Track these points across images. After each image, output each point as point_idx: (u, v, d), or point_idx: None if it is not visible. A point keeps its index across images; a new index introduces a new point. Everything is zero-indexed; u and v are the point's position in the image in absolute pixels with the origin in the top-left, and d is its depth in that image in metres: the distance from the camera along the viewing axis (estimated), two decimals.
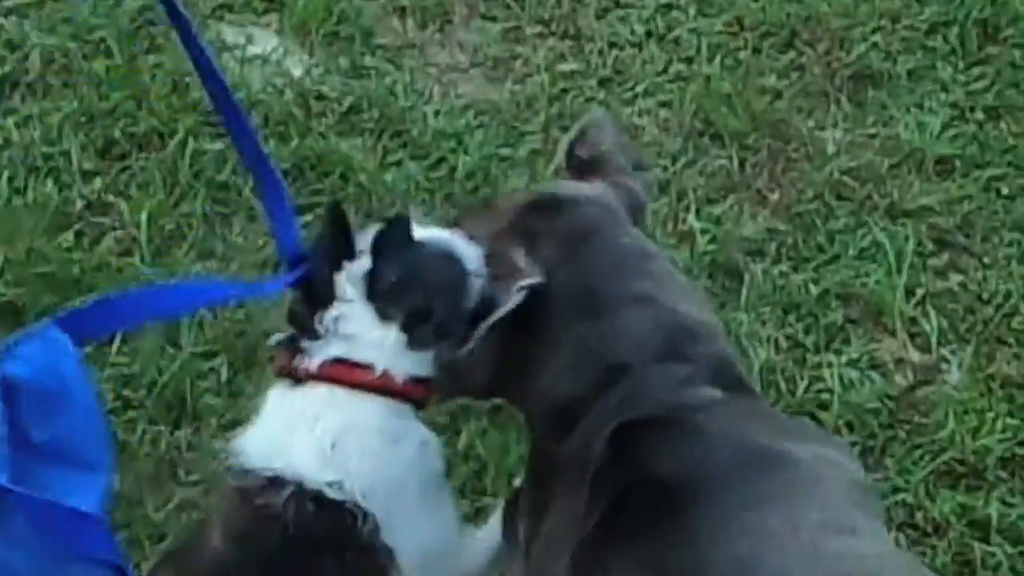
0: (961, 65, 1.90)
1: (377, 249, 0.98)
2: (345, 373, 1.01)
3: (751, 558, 0.91)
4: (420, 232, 1.03)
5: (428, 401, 1.07)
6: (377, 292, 0.99)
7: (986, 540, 1.37)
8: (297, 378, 1.01)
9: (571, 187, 1.15)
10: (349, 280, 1.00)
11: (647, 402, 1.01)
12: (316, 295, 1.00)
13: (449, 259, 1.03)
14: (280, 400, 1.04)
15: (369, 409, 1.01)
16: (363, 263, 1.00)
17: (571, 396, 1.04)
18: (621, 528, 0.99)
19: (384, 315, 1.00)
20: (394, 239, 0.99)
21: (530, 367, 1.08)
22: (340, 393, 1.01)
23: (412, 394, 1.03)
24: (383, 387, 1.01)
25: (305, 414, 1.01)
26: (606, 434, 0.99)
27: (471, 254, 1.03)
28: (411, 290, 1.01)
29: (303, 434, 1.00)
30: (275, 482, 1.00)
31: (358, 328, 1.00)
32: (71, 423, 0.85)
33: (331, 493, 0.97)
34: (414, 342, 1.00)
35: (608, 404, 1.02)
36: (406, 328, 0.99)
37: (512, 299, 0.99)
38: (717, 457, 1.00)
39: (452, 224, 1.12)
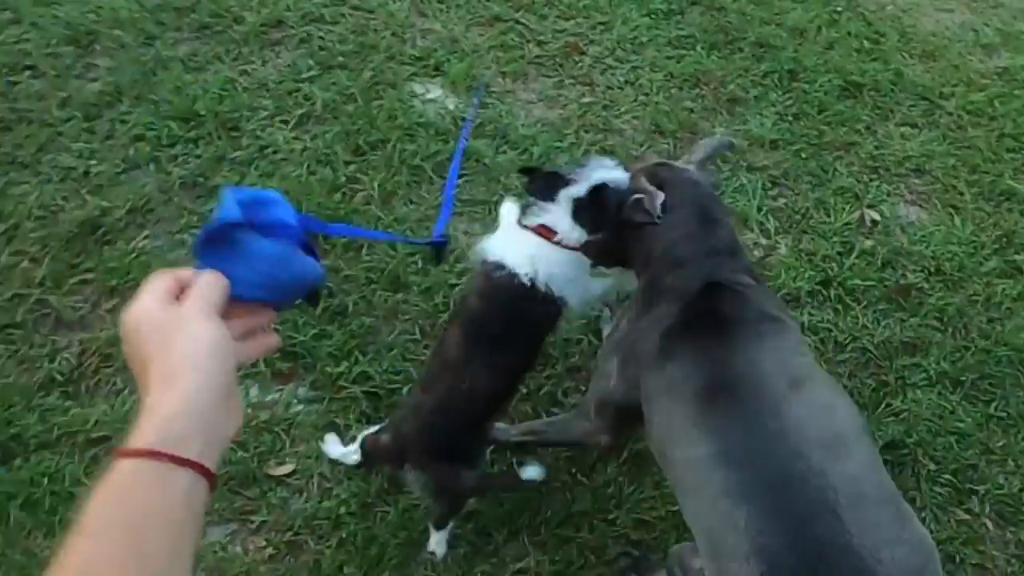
0: (780, 92, 2.96)
1: (587, 190, 1.70)
2: (546, 233, 1.74)
3: (758, 359, 1.47)
4: (603, 172, 1.72)
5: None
6: (574, 210, 1.72)
7: None
8: (524, 224, 1.76)
9: (678, 163, 1.78)
10: (563, 199, 1.73)
11: (723, 273, 1.58)
12: (549, 192, 1.74)
13: (615, 191, 1.69)
14: (512, 230, 1.78)
15: (551, 250, 1.74)
16: (573, 191, 1.72)
17: (684, 257, 1.60)
18: (692, 331, 1.53)
19: (575, 218, 1.73)
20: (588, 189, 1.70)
21: (658, 241, 1.63)
22: (539, 240, 1.74)
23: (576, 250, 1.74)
24: (562, 244, 1.74)
25: (523, 242, 1.74)
26: (698, 284, 1.56)
27: (624, 184, 1.70)
28: (590, 211, 1.71)
29: (520, 250, 1.73)
30: (503, 267, 1.71)
31: (559, 220, 1.73)
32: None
33: (529, 278, 1.71)
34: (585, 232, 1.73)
35: (703, 266, 1.59)
36: (583, 227, 1.72)
37: (657, 202, 1.60)
38: (750, 313, 1.54)
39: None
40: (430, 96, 2.76)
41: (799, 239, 2.60)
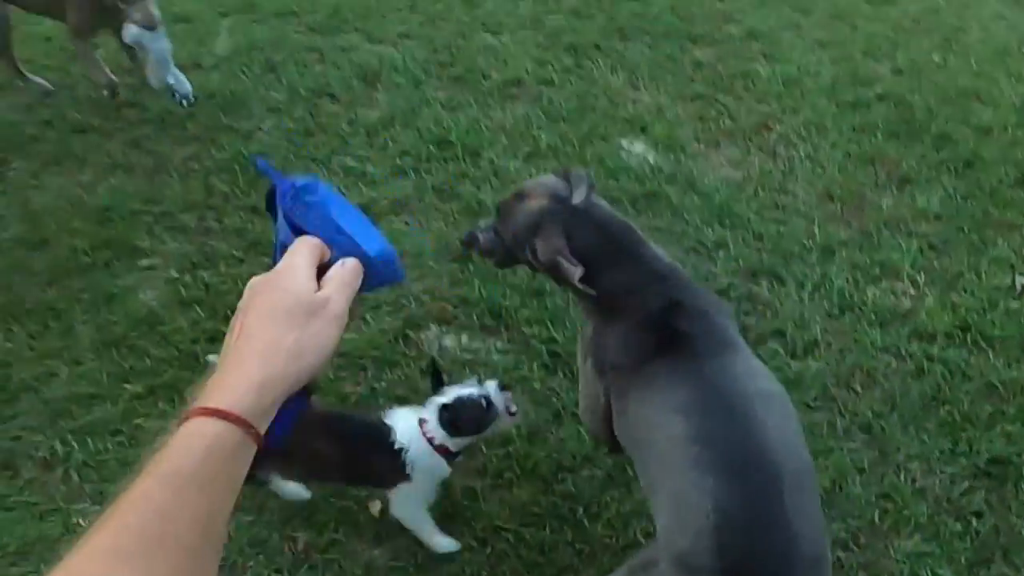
0: (953, 177, 3.30)
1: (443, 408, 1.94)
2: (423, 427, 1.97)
3: (722, 369, 1.68)
4: (464, 390, 1.97)
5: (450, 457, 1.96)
6: (440, 419, 1.95)
7: None
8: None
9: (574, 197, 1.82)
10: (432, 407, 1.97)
11: (680, 293, 1.75)
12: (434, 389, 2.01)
13: (479, 406, 1.94)
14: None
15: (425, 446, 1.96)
16: (438, 401, 1.96)
17: (632, 283, 1.76)
18: (662, 349, 1.71)
19: (440, 423, 1.95)
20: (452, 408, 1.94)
21: (602, 274, 1.75)
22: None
23: (441, 451, 1.95)
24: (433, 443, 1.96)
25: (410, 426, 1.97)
26: (662, 302, 1.73)
27: (497, 401, 1.95)
28: (455, 423, 1.94)
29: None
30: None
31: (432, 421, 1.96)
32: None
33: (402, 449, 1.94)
34: (452, 434, 1.94)
35: (663, 289, 1.75)
36: (449, 431, 1.94)
37: (576, 275, 1.70)
38: (699, 322, 1.73)
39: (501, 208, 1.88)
40: (635, 151, 3.35)
41: (947, 293, 2.86)
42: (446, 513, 2.15)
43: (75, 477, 2.16)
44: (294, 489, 2.12)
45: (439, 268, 2.75)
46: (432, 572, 2.07)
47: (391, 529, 2.12)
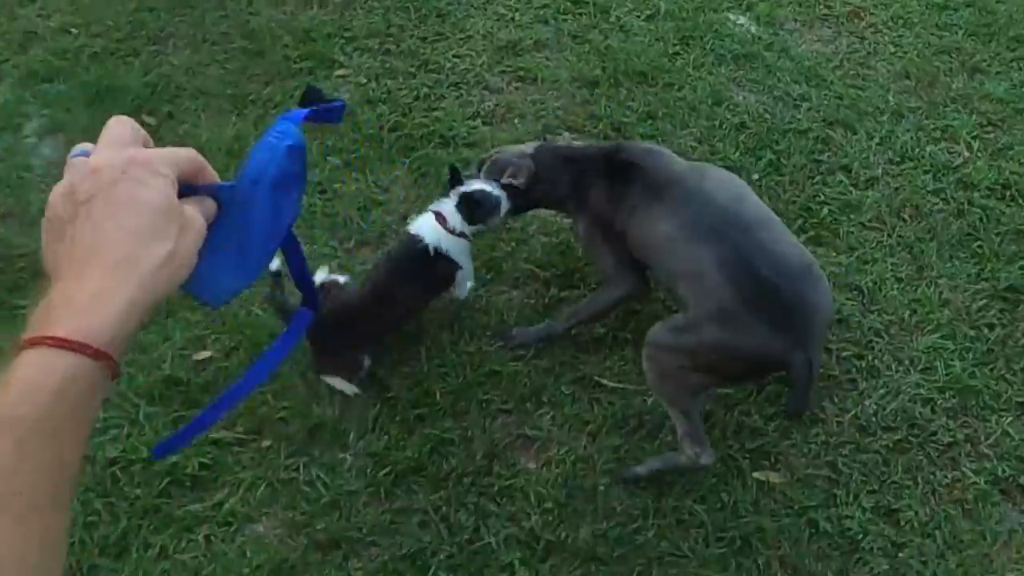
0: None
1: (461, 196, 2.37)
2: (443, 222, 2.40)
3: (669, 170, 2.33)
4: (477, 185, 2.40)
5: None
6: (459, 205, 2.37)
7: None
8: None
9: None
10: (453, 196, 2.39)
11: (606, 152, 2.44)
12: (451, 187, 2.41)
13: (485, 195, 2.37)
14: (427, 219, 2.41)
15: (447, 233, 2.39)
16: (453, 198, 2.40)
17: (581, 172, 2.43)
18: (619, 180, 2.36)
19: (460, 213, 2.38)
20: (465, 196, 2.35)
21: (559, 180, 2.45)
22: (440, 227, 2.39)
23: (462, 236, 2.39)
24: (452, 231, 2.39)
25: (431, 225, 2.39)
26: (602, 157, 2.42)
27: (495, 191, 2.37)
28: (471, 209, 2.37)
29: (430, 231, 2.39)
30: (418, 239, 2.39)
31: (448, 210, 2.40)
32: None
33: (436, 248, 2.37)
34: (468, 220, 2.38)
35: (603, 151, 2.46)
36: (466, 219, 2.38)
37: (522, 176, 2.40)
38: (636, 153, 2.41)
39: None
40: (739, 22, 3.81)
41: (997, 158, 3.29)
42: None
43: None
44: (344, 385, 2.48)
45: (572, 91, 3.35)
46: (555, 309, 2.71)
47: (526, 277, 2.76)
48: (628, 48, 3.50)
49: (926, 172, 3.20)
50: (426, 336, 2.61)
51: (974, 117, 3.47)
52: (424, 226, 2.42)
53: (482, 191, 2.38)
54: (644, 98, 3.30)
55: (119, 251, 0.64)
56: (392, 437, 2.41)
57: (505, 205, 2.40)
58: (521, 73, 3.41)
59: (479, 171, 2.50)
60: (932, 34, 3.89)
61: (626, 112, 3.24)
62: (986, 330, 2.76)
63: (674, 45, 3.60)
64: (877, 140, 3.27)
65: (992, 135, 3.42)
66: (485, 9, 3.69)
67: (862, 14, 3.98)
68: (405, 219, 2.75)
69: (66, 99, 3.20)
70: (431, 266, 2.40)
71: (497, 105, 3.29)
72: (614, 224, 2.35)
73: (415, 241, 2.40)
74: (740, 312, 2.05)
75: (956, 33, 3.91)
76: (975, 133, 3.40)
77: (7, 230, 2.83)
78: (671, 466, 2.36)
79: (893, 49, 3.78)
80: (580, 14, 3.72)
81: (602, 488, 2.37)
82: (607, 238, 2.38)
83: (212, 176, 0.75)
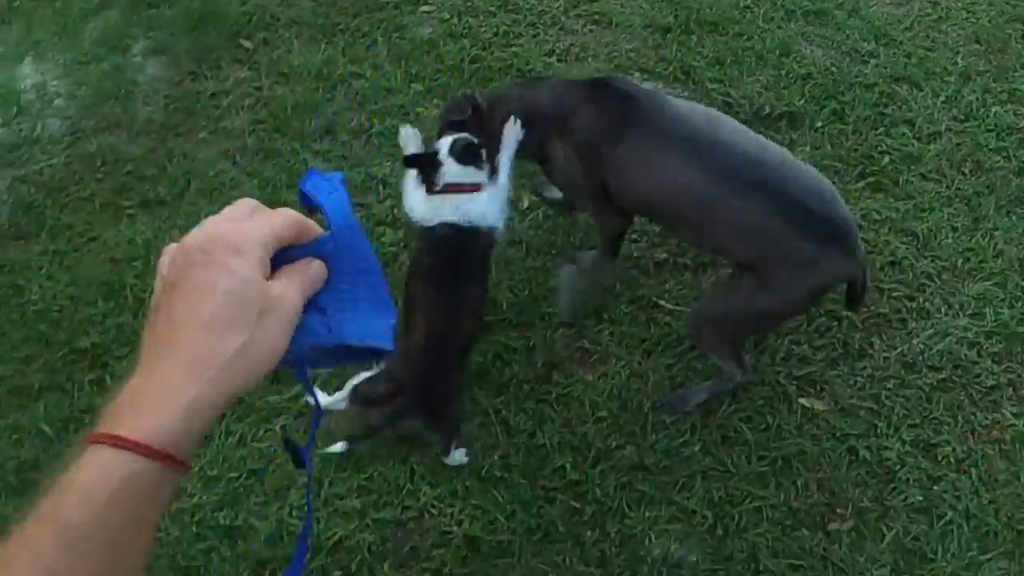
0: None
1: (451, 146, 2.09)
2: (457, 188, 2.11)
3: (675, 116, 2.15)
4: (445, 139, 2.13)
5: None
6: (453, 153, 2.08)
7: None
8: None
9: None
10: (445, 158, 2.10)
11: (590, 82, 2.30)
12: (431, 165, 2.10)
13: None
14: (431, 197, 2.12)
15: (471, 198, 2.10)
16: (446, 147, 2.11)
17: (563, 106, 2.22)
18: (606, 111, 2.17)
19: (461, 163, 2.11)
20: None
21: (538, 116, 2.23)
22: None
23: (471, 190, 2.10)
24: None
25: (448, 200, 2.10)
26: (586, 84, 2.27)
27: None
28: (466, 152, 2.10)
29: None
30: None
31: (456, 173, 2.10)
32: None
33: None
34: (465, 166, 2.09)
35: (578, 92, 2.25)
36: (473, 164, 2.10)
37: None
38: (630, 87, 2.21)
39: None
40: None
41: None
42: None
43: (377, 143, 3.03)
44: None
45: (644, 35, 3.43)
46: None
47: None
48: None
49: (989, 131, 3.21)
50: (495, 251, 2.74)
51: None
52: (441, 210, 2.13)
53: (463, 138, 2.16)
54: (714, 45, 3.36)
55: (188, 344, 0.61)
56: None
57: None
58: (596, 17, 3.50)
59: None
60: (1006, 2, 3.87)
61: (696, 57, 3.31)
62: None
63: None
64: (943, 99, 3.29)
65: None
66: None
67: None
68: None
69: (169, 23, 3.40)
70: (471, 247, 2.14)
71: (572, 45, 3.38)
72: (600, 157, 2.17)
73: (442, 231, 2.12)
74: (810, 249, 2.02)
75: None
76: None
77: (115, 138, 3.05)
78: (718, 391, 2.44)
79: (966, 15, 3.76)
80: None
81: (652, 403, 2.47)
82: (590, 172, 2.22)
83: (316, 232, 0.69)
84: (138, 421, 0.58)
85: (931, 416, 2.50)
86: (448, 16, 3.44)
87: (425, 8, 3.49)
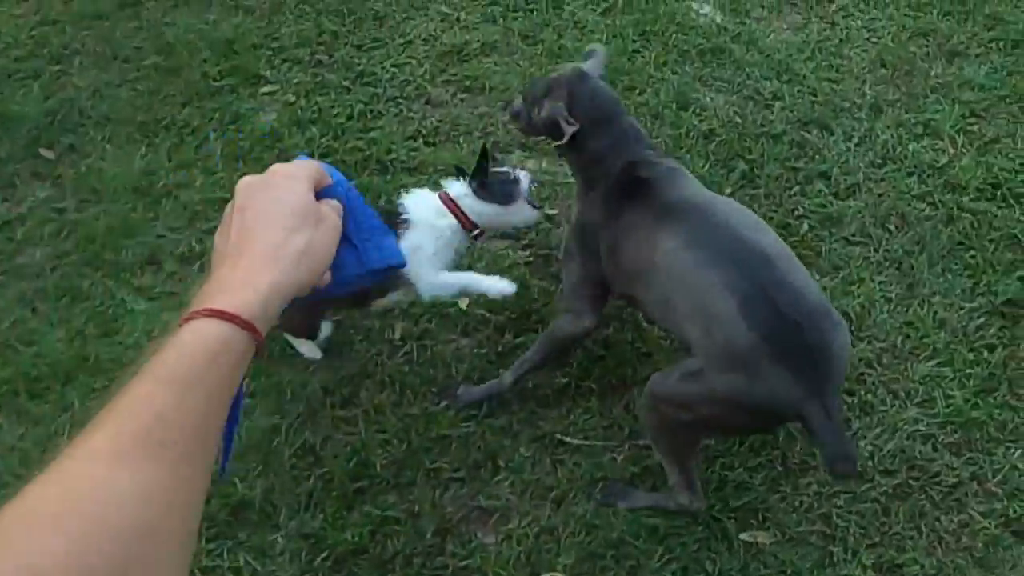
0: (1002, 55, 3.23)
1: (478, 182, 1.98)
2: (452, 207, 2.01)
3: (682, 195, 1.91)
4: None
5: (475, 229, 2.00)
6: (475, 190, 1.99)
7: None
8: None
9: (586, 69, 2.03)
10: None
11: (635, 153, 1.95)
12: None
13: (507, 181, 2.02)
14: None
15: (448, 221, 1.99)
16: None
17: (601, 151, 1.94)
18: (626, 192, 1.91)
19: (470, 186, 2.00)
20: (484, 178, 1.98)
21: (580, 147, 1.95)
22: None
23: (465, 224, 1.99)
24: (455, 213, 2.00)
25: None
26: (620, 164, 1.93)
27: (519, 176, 2.05)
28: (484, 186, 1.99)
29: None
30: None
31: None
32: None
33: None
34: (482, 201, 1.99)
35: (618, 152, 1.94)
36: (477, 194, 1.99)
37: (569, 131, 1.90)
38: (659, 171, 1.93)
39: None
40: (703, 11, 3.35)
41: (983, 154, 2.86)
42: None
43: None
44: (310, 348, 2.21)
45: None
46: (511, 358, 2.27)
47: (476, 322, 2.34)
48: (583, 47, 3.02)
49: (910, 174, 2.79)
50: (363, 397, 2.17)
51: (956, 107, 3.04)
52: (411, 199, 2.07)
53: (499, 170, 2.08)
54: None
55: (264, 243, 0.73)
56: (328, 516, 2.02)
57: (526, 187, 2.09)
58: (467, 82, 2.94)
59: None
60: (905, 15, 3.46)
61: None
62: (986, 352, 2.37)
63: (633, 41, 3.14)
64: (856, 140, 2.85)
65: (976, 127, 3.01)
66: (427, 9, 3.21)
67: None
68: None
69: None
70: None
71: (441, 121, 2.82)
72: (599, 237, 1.96)
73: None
74: (757, 352, 1.65)
75: (930, 13, 3.48)
76: (958, 126, 2.98)
77: None
78: (659, 506, 2.04)
79: (867, 34, 3.34)
80: (531, 11, 3.24)
81: (569, 564, 1.97)
82: (584, 250, 2.00)
83: (328, 181, 0.87)
84: (229, 298, 0.68)
85: (891, 531, 2.08)
86: (294, 98, 2.83)
87: (266, 90, 2.88)
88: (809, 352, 1.68)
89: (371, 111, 2.82)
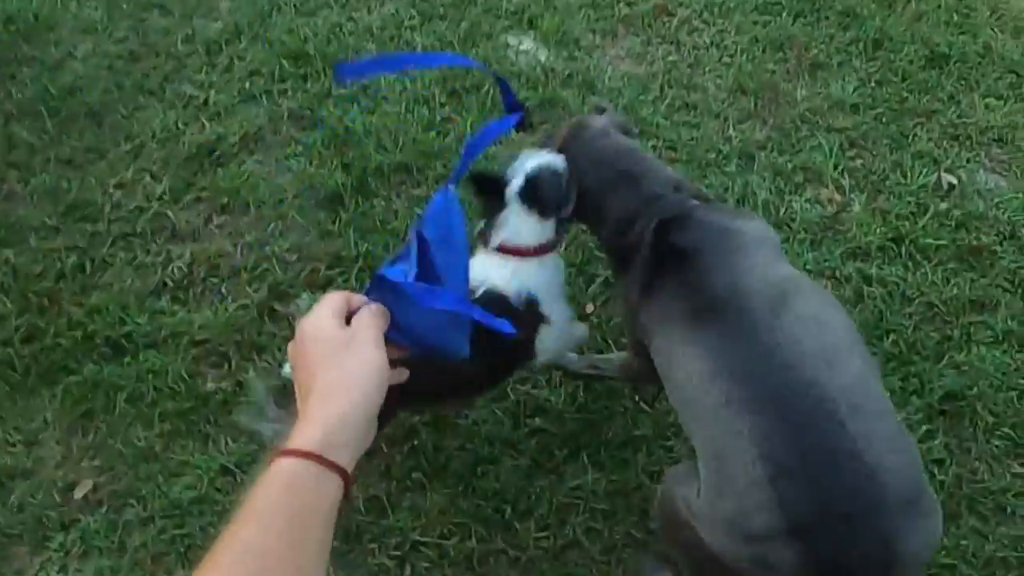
0: (864, 59, 2.79)
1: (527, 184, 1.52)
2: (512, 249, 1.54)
3: (734, 283, 1.35)
4: (539, 157, 1.55)
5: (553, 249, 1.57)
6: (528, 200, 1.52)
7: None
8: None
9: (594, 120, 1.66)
10: (510, 199, 1.53)
11: (665, 211, 1.47)
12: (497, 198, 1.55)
13: (555, 174, 1.55)
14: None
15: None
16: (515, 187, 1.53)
17: (628, 217, 1.52)
18: (661, 271, 1.45)
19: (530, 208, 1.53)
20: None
21: (600, 215, 1.58)
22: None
23: (539, 253, 1.55)
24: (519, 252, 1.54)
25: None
26: (652, 226, 1.45)
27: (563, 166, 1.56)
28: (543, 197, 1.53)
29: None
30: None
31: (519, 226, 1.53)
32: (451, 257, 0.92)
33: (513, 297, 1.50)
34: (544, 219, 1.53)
35: (645, 214, 1.49)
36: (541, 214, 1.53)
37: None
38: (706, 234, 1.44)
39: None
40: (523, 48, 2.71)
41: (874, 197, 2.43)
42: (348, 533, 1.66)
43: None
44: None
45: (305, 220, 2.12)
46: None
47: None
48: (379, 125, 2.31)
49: (802, 243, 2.27)
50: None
51: (832, 138, 2.56)
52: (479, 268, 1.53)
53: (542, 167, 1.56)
54: (411, 210, 2.14)
55: (312, 385, 0.79)
56: None
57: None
58: (224, 199, 2.16)
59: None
60: (755, 22, 2.95)
61: (389, 244, 2.06)
62: (936, 470, 1.90)
63: (442, 105, 2.44)
64: (732, 204, 2.29)
65: (859, 162, 2.55)
66: (162, 93, 2.38)
67: (669, 7, 2.98)
68: None
69: None
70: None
71: (193, 263, 2.04)
72: (644, 316, 1.51)
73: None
74: (778, 543, 1.18)
75: (780, 14, 2.98)
76: (840, 165, 2.51)
77: None
78: None
79: (718, 53, 2.82)
80: (304, 77, 2.47)
81: None
82: (629, 322, 1.65)
83: (356, 298, 0.88)
84: (295, 439, 0.75)
85: None
86: None
87: None
88: (851, 558, 1.15)
89: (91, 260, 2.00)
